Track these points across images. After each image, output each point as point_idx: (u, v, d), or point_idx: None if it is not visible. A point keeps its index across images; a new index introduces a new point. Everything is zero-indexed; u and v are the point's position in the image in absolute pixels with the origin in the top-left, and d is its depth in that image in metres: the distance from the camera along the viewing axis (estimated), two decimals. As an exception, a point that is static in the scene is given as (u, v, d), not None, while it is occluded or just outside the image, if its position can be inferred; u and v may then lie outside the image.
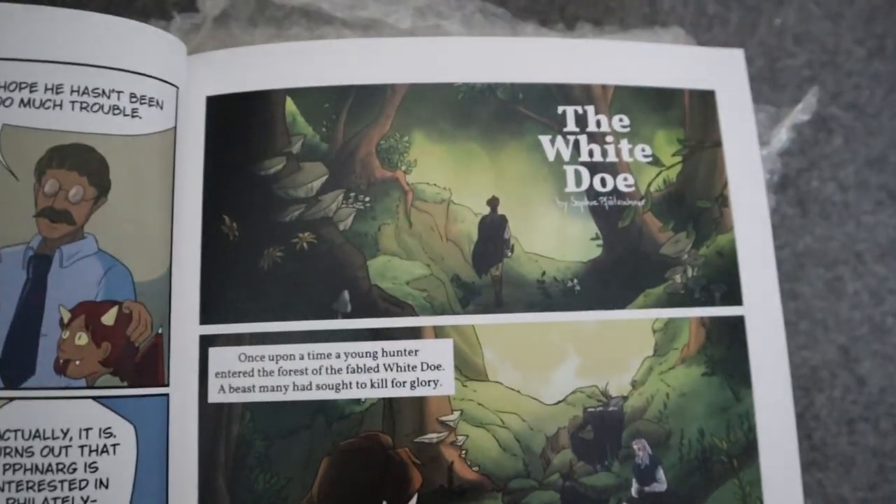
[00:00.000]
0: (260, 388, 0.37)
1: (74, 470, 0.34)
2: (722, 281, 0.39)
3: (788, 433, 0.38)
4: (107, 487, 0.34)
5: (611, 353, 0.37)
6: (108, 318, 0.35)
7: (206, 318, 0.37)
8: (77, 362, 0.34)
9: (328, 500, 0.36)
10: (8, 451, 0.33)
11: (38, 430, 0.34)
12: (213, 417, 0.36)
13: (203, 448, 0.36)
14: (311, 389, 0.37)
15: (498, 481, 0.36)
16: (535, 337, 0.37)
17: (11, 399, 0.33)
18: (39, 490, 0.33)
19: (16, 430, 0.33)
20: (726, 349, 0.38)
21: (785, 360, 0.38)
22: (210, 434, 0.36)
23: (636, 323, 0.38)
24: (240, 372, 0.37)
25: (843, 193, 0.49)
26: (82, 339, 0.34)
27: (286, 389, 0.37)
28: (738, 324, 0.38)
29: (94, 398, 0.35)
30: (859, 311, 0.48)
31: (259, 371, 0.37)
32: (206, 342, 0.37)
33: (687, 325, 0.38)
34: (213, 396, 0.37)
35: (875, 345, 0.48)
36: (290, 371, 0.37)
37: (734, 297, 0.38)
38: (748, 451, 0.38)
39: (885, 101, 0.50)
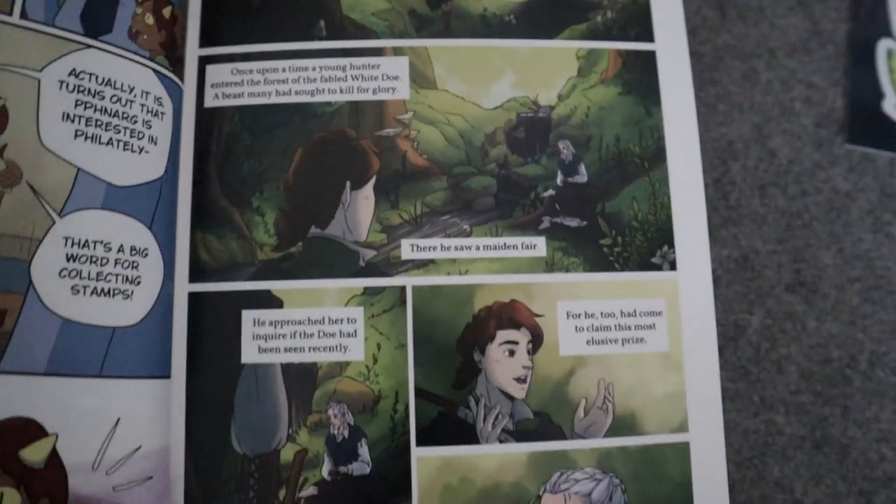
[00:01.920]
0: (248, 94, 0.45)
1: (135, 122, 0.42)
2: (636, 23, 0.47)
3: (692, 142, 0.45)
4: (155, 144, 0.42)
5: (541, 72, 0.45)
6: (167, 12, 0.43)
7: (204, 41, 0.45)
8: (145, 36, 0.42)
9: (301, 181, 0.44)
10: (82, 89, 0.40)
11: (109, 79, 0.41)
12: (207, 119, 0.44)
13: (198, 142, 0.44)
14: (290, 95, 0.45)
15: (443, 167, 0.44)
16: (478, 57, 0.45)
17: (89, 46, 0.41)
18: (106, 130, 0.41)
19: (91, 74, 0.41)
20: (640, 75, 0.46)
21: (689, 83, 0.46)
22: (205, 132, 0.44)
23: (562, 50, 0.46)
24: (231, 82, 0.45)
25: (759, 0, 0.57)
26: (150, 19, 0.42)
27: (270, 95, 0.45)
28: (650, 56, 0.46)
29: (154, 70, 0.42)
30: (771, 96, 0.56)
31: (248, 81, 0.45)
32: (204, 61, 0.45)
33: (606, 55, 0.46)
34: (209, 102, 0.45)
35: (784, 124, 0.56)
36: (274, 81, 0.45)
37: (647, 36, 0.46)
38: (657, 155, 0.45)
39: (795, -73, 0.58)
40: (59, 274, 0.38)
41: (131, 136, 0.40)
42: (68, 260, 0.38)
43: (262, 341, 0.41)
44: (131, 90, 0.40)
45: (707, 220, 0.48)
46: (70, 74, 0.39)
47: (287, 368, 0.41)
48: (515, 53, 0.45)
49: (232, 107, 0.44)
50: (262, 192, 0.43)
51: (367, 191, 0.43)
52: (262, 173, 0.43)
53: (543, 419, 0.41)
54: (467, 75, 0.44)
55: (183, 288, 0.42)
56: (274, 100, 0.44)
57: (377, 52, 0.44)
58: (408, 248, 0.42)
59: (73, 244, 0.38)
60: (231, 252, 0.42)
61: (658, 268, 0.43)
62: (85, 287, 0.38)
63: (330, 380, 0.41)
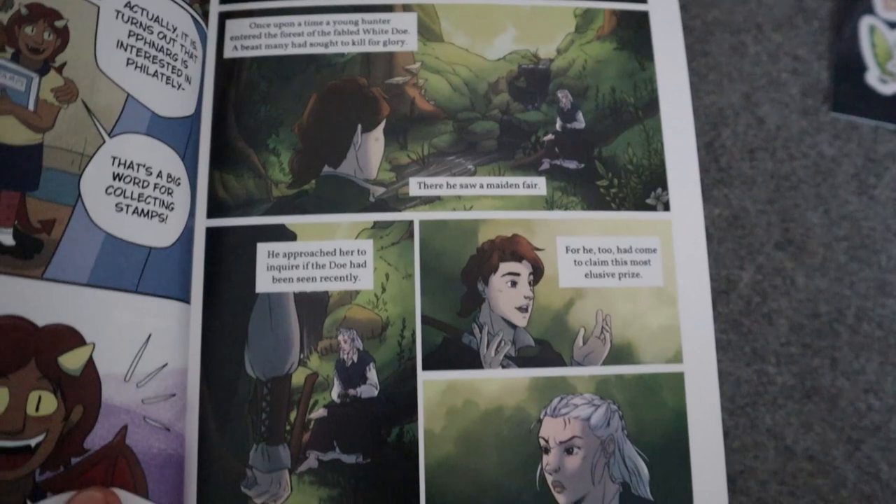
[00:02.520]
0: (266, 46, 0.48)
1: (176, 59, 0.44)
2: (630, -15, 0.50)
3: (683, 91, 0.48)
4: (189, 83, 0.45)
5: (541, 28, 0.48)
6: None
7: (225, -1, 0.49)
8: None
9: (315, 124, 0.47)
10: (135, 21, 0.42)
11: (158, 16, 0.43)
12: (227, 68, 0.47)
13: (218, 88, 0.47)
14: (305, 47, 0.48)
15: (449, 112, 0.47)
16: (481, 14, 0.48)
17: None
18: (153, 62, 0.43)
19: (143, 9, 0.43)
20: (634, 33, 0.49)
21: (680, 39, 0.49)
22: (224, 79, 0.47)
23: (561, 9, 0.49)
24: (250, 35, 0.48)
25: (746, -20, 0.61)
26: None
27: (286, 47, 0.48)
28: (643, 16, 0.49)
29: (191, 15, 0.46)
30: (759, 67, 0.59)
31: (265, 34, 0.48)
32: (224, 16, 0.48)
33: (602, 14, 0.49)
34: (228, 53, 0.48)
35: (772, 93, 0.59)
36: (290, 34, 0.48)
37: (640, -2, 0.50)
38: (651, 105, 0.48)
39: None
40: (106, 191, 0.40)
41: (172, 72, 0.43)
42: (114, 178, 0.41)
43: (275, 272, 0.43)
44: (174, 30, 0.43)
45: (699, 177, 0.50)
46: (126, 6, 0.42)
47: (299, 297, 0.43)
48: (517, 11, 0.48)
49: (249, 57, 0.46)
50: (277, 135, 0.45)
51: (378, 133, 0.45)
52: (277, 117, 0.46)
53: (544, 346, 0.43)
54: (472, 30, 0.47)
55: (202, 223, 0.44)
56: (290, 51, 0.47)
57: (387, 8, 0.48)
58: (415, 186, 0.45)
59: (119, 164, 0.41)
60: (248, 189, 0.45)
61: (652, 208, 0.45)
62: (128, 206, 0.40)
63: (340, 307, 0.43)
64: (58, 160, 0.38)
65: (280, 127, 0.45)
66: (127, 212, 0.40)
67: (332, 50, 0.46)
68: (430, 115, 0.46)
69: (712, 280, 0.53)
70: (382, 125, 0.45)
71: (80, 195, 0.39)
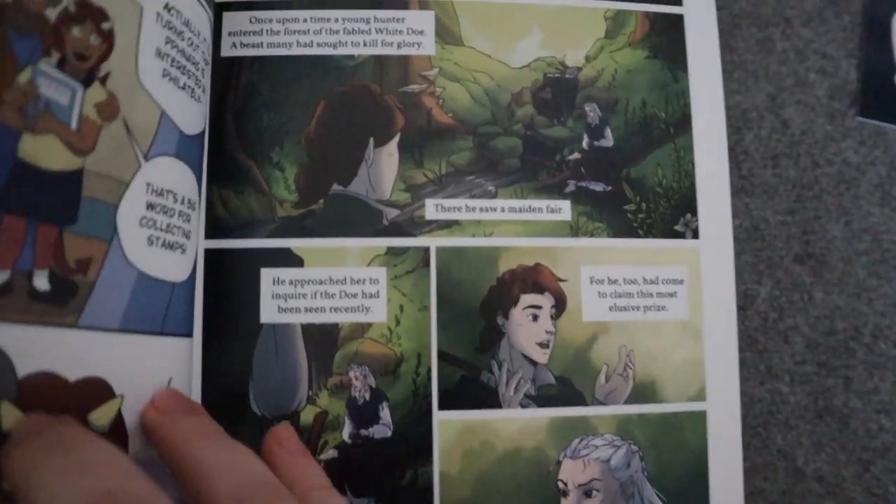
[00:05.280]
0: (268, 44, 0.43)
1: (198, 68, 0.38)
2: (665, -14, 0.46)
3: (717, 107, 0.44)
4: (205, 93, 0.39)
5: (568, 32, 0.44)
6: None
7: (222, -10, 0.43)
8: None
9: (324, 136, 0.42)
10: (171, 26, 0.35)
11: (188, 21, 0.37)
12: (224, 68, 0.43)
13: (216, 93, 0.42)
14: (311, 46, 0.43)
15: (469, 126, 0.43)
16: (504, 14, 0.44)
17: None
18: (182, 73, 0.37)
19: (178, 11, 0.36)
20: (667, 39, 0.45)
21: (716, 50, 0.45)
22: (222, 82, 0.42)
23: (590, 10, 0.45)
24: (250, 31, 0.43)
25: (776, -31, 0.57)
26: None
27: (290, 46, 0.43)
28: (677, 21, 0.45)
29: (207, 17, 0.40)
30: (786, 66, 0.56)
31: (267, 31, 0.43)
32: (220, 7, 0.43)
33: (634, 17, 0.45)
34: (226, 51, 0.43)
35: (798, 95, 0.55)
36: (295, 31, 0.43)
37: (675, 0, 0.45)
38: (683, 122, 0.44)
39: None
40: (140, 222, 0.34)
41: (196, 83, 0.37)
42: (147, 208, 0.34)
43: (281, 301, 0.40)
44: (199, 34, 0.38)
45: (731, 204, 0.48)
46: (165, 8, 0.35)
47: (307, 329, 0.40)
48: (543, 11, 0.43)
49: (250, 57, 0.42)
50: (282, 147, 0.41)
51: (391, 148, 0.42)
52: (281, 126, 0.41)
53: (565, 384, 0.41)
54: (494, 32, 0.43)
55: (200, 244, 0.40)
56: (294, 51, 0.42)
57: (402, 4, 0.43)
58: (432, 208, 0.41)
59: (152, 191, 0.34)
60: (250, 208, 0.41)
61: (681, 235, 0.43)
62: (157, 238, 0.35)
63: (351, 341, 0.40)
64: (97, 188, 0.32)
65: (285, 138, 0.41)
66: (156, 245, 0.35)
67: (340, 51, 0.42)
68: (448, 129, 0.42)
69: (729, 294, 0.51)
70: (397, 139, 0.42)
71: (116, 229, 0.34)
